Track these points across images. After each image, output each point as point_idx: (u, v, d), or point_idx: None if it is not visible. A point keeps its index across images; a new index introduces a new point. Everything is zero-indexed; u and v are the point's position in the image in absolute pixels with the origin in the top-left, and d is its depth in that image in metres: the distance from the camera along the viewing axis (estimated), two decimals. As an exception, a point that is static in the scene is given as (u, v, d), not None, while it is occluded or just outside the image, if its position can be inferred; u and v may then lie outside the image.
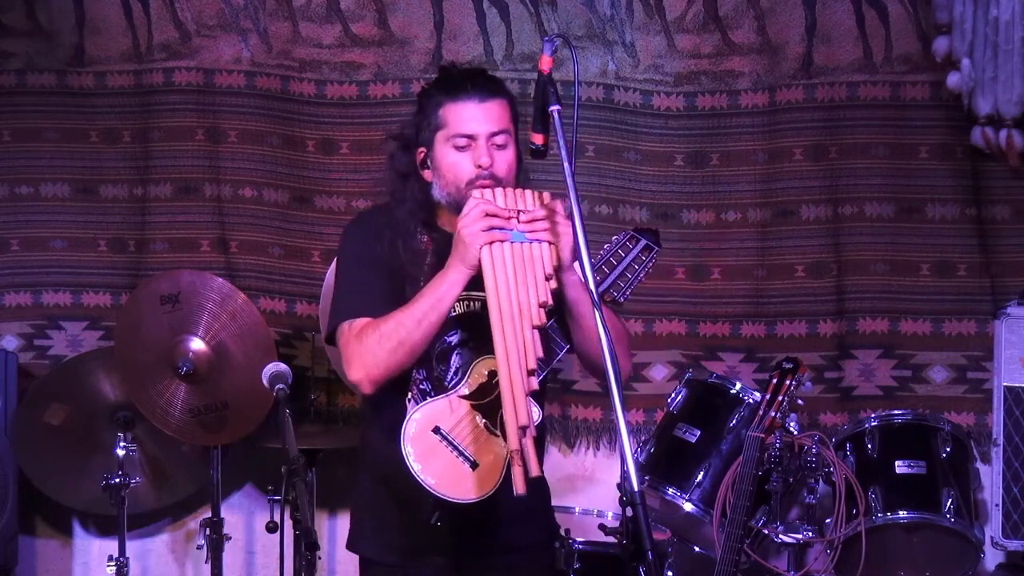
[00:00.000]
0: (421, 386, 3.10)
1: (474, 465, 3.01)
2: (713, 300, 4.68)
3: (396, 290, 3.09)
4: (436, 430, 3.03)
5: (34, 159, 4.99)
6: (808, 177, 4.64)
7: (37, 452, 4.69)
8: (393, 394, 3.11)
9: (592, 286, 2.77)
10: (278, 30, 4.80)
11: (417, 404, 3.07)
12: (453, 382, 3.09)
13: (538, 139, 2.97)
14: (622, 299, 3.24)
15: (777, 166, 4.64)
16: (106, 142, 4.95)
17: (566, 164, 2.86)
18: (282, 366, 3.67)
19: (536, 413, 3.02)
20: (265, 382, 3.63)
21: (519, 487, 2.80)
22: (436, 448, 3.01)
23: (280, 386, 3.60)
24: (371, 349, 3.04)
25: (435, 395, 3.08)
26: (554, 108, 2.91)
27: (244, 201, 4.88)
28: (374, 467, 3.20)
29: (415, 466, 2.99)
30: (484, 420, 3.04)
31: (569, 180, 2.84)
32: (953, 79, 4.41)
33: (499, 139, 3.07)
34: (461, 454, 3.01)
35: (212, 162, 4.89)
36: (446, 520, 3.04)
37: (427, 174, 3.14)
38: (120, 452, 4.44)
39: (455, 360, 3.11)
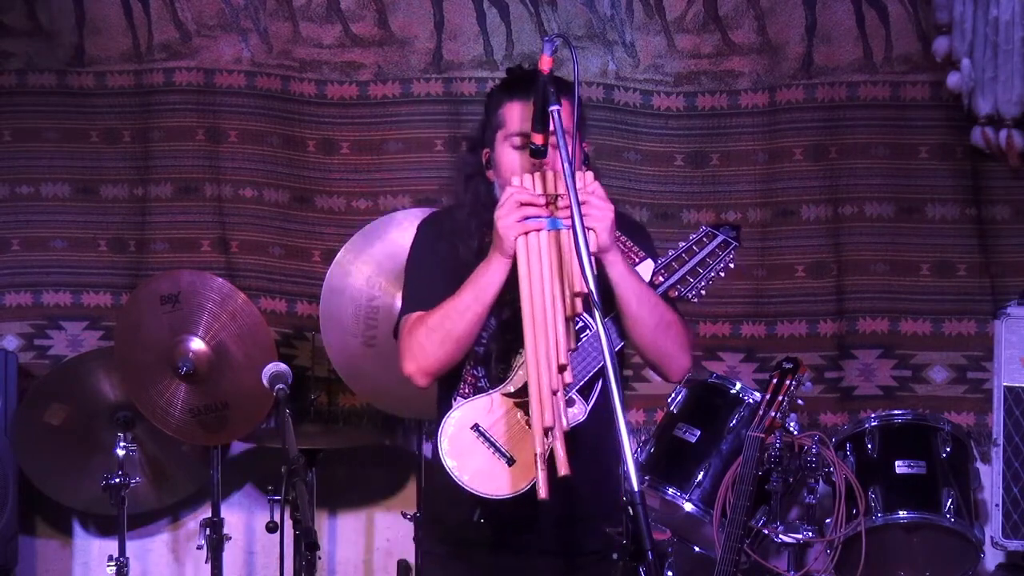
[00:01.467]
0: (479, 383, 3.10)
1: (511, 461, 2.99)
2: (713, 300, 4.66)
3: (455, 289, 3.07)
4: (475, 427, 3.02)
5: (34, 159, 4.99)
6: (808, 177, 4.64)
7: (37, 452, 4.69)
8: (446, 392, 3.12)
9: (592, 285, 2.76)
10: (278, 30, 4.80)
11: (462, 401, 3.07)
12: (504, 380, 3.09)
13: (538, 139, 2.96)
14: (691, 295, 3.14)
15: (777, 166, 4.65)
16: (106, 142, 4.95)
17: (566, 164, 2.85)
18: (282, 366, 3.67)
19: (580, 410, 3.01)
20: (265, 382, 3.63)
21: (542, 492, 2.81)
22: (472, 445, 3.01)
23: (280, 386, 3.60)
24: (419, 342, 3.06)
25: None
26: (554, 108, 2.90)
27: (244, 201, 4.88)
28: (434, 461, 3.21)
29: (450, 463, 3.00)
30: (526, 417, 3.00)
31: (569, 180, 2.84)
32: (953, 79, 4.41)
33: (555, 139, 3.04)
34: (498, 450, 3.00)
35: (212, 162, 4.89)
36: (488, 517, 3.04)
37: (490, 174, 3.15)
38: (120, 452, 4.44)
39: (515, 359, 3.09)
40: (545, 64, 2.93)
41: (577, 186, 2.95)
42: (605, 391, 3.01)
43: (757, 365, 4.66)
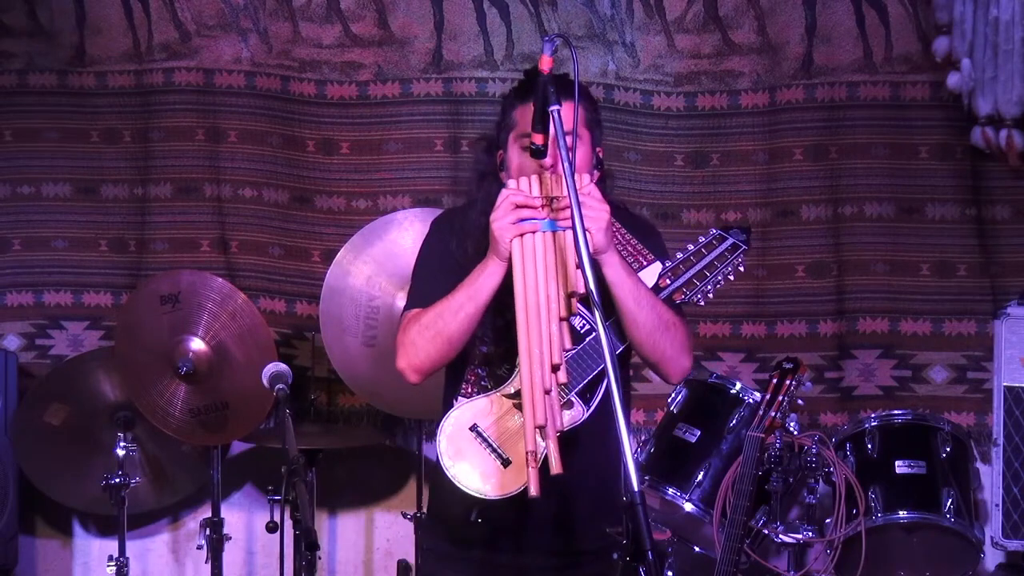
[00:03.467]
0: (482, 383, 3.10)
1: (506, 463, 3.00)
2: (713, 300, 4.65)
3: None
4: (473, 427, 3.03)
5: (35, 159, 4.99)
6: (808, 177, 4.64)
7: (37, 452, 4.69)
8: (449, 392, 3.13)
9: (592, 286, 2.76)
10: (278, 30, 4.80)
11: (463, 401, 3.07)
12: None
13: (538, 139, 2.96)
14: (697, 299, 3.14)
15: (777, 166, 4.65)
16: (107, 142, 4.95)
17: (566, 164, 2.85)
18: (282, 366, 3.67)
19: (579, 411, 3.01)
20: (265, 382, 3.63)
21: (533, 489, 2.81)
22: (469, 445, 3.01)
23: (280, 386, 3.60)
24: (412, 339, 3.06)
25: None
26: (554, 108, 2.90)
27: (244, 201, 4.88)
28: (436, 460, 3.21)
29: (446, 462, 3.01)
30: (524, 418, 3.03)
31: (569, 180, 2.84)
32: (953, 79, 4.41)
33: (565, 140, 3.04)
34: (494, 451, 3.01)
35: (212, 162, 4.89)
36: (486, 517, 3.05)
37: (503, 175, 3.14)
38: (120, 452, 4.44)
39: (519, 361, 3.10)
40: (545, 64, 2.93)
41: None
42: (608, 393, 3.02)
43: (757, 365, 4.66)
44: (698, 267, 3.13)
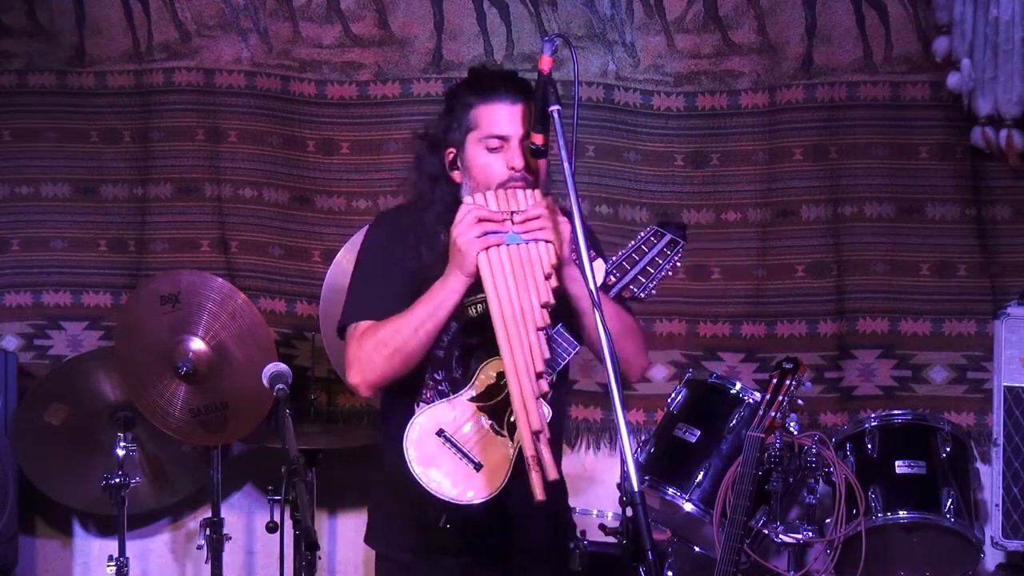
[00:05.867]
0: (440, 387, 3.09)
1: (478, 467, 3.00)
2: (713, 300, 4.68)
3: (414, 293, 3.07)
4: (440, 433, 3.02)
5: (34, 159, 4.99)
6: (808, 177, 4.64)
7: (37, 452, 4.69)
8: (403, 397, 3.11)
9: (592, 286, 2.77)
10: (278, 30, 4.80)
11: (424, 407, 3.06)
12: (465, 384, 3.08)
13: (538, 139, 2.97)
14: (643, 295, 3.15)
15: (777, 166, 4.65)
16: (106, 142, 4.95)
17: (566, 164, 2.86)
18: (282, 366, 3.66)
19: (547, 413, 3.01)
20: (265, 382, 3.63)
21: (538, 493, 2.80)
22: (439, 451, 3.00)
23: (280, 386, 3.60)
24: (368, 354, 3.04)
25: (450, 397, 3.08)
26: (554, 108, 2.91)
27: (244, 201, 4.88)
28: (386, 467, 3.20)
29: (417, 469, 2.99)
30: (490, 421, 3.03)
31: (569, 180, 2.84)
32: (953, 79, 4.41)
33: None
34: (465, 456, 3.00)
35: (212, 162, 4.89)
36: (455, 522, 3.04)
37: (456, 175, 3.13)
38: (120, 452, 4.44)
39: (474, 363, 3.09)
40: (545, 64, 2.94)
41: (528, 202, 2.97)
42: (554, 386, 3.01)
43: (757, 365, 4.66)
44: (641, 264, 3.15)
